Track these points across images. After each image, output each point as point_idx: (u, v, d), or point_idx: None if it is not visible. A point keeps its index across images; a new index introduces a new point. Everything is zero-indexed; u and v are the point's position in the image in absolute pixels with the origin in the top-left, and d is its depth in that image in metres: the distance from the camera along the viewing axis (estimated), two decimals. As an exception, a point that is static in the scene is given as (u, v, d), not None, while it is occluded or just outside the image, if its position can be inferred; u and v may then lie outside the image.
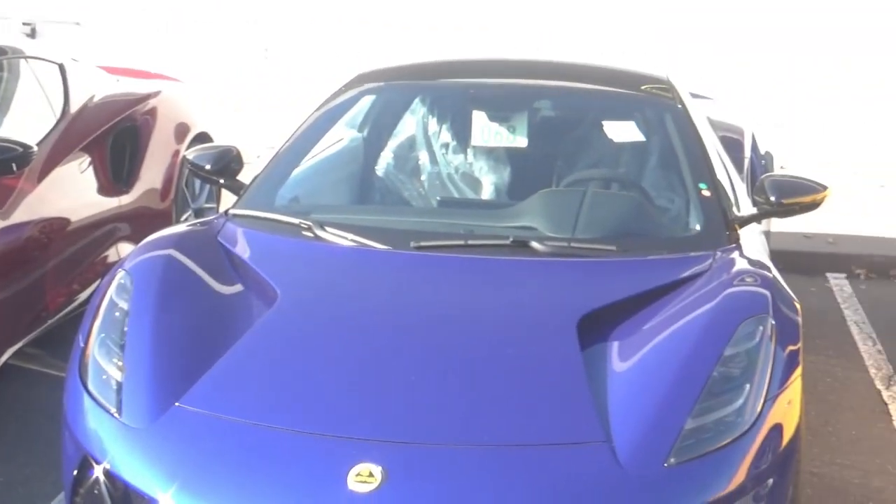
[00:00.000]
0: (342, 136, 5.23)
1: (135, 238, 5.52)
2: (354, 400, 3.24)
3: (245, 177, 4.70)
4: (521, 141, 4.94)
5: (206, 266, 3.94)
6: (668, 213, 4.56)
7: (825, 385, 5.71)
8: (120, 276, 3.77)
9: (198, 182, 6.74)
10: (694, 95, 5.56)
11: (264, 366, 3.40)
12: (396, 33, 10.98)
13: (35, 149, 5.01)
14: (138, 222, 6.00)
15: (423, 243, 4.02)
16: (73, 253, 5.45)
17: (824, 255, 8.02)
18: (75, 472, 3.29)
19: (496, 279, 3.93)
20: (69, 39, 11.56)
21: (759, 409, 3.21)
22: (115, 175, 6.03)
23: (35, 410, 4.96)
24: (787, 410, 3.32)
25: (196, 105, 7.12)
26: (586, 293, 3.79)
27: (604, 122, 5.13)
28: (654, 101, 5.05)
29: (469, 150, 5.14)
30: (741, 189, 5.08)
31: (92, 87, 6.18)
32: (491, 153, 5.07)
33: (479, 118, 5.00)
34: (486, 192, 4.99)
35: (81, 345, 3.58)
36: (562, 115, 5.41)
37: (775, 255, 6.64)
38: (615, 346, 3.50)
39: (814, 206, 4.31)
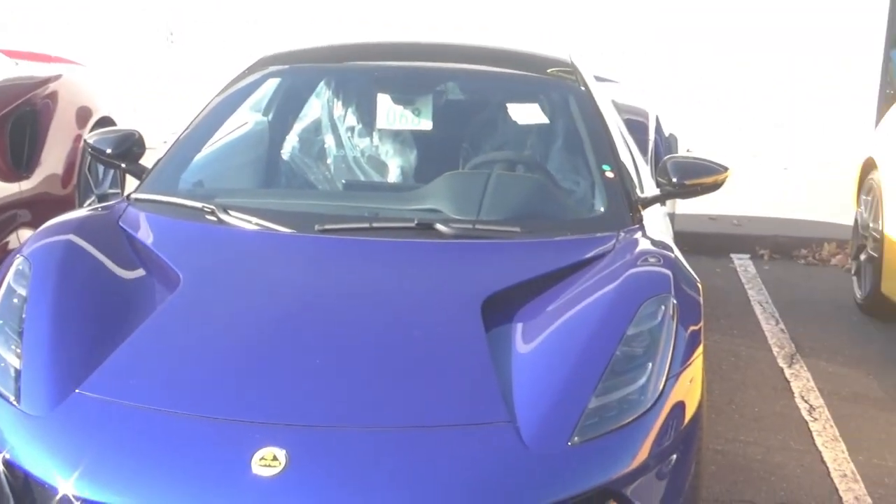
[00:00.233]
0: (247, 119, 5.18)
1: (35, 224, 5.38)
2: (258, 384, 3.22)
3: (149, 161, 4.64)
4: (426, 124, 4.93)
5: (106, 251, 3.88)
6: (573, 194, 4.58)
7: (729, 364, 5.80)
8: (18, 262, 3.71)
9: (101, 167, 6.64)
10: (599, 79, 5.60)
11: (166, 351, 3.37)
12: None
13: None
14: (39, 208, 5.90)
15: (327, 226, 3.99)
16: (-28, 240, 5.34)
17: (729, 237, 8.14)
18: (-27, 462, 3.23)
19: (401, 262, 3.93)
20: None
21: (661, 387, 3.25)
22: (15, 160, 5.92)
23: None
24: (690, 388, 3.36)
25: (99, 89, 7.00)
26: (491, 275, 3.80)
27: (508, 105, 5.14)
28: (558, 84, 5.07)
29: (375, 134, 5.12)
30: (645, 171, 5.12)
31: (-12, 71, 6.06)
32: (397, 136, 5.06)
33: (383, 101, 4.99)
34: (392, 175, 4.97)
35: (-21, 332, 3.51)
36: (467, 98, 5.41)
37: (681, 237, 6.74)
38: (519, 327, 3.52)
39: (715, 186, 4.36)
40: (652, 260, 3.83)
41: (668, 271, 3.72)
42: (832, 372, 5.74)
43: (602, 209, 4.29)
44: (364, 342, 3.42)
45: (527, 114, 5.13)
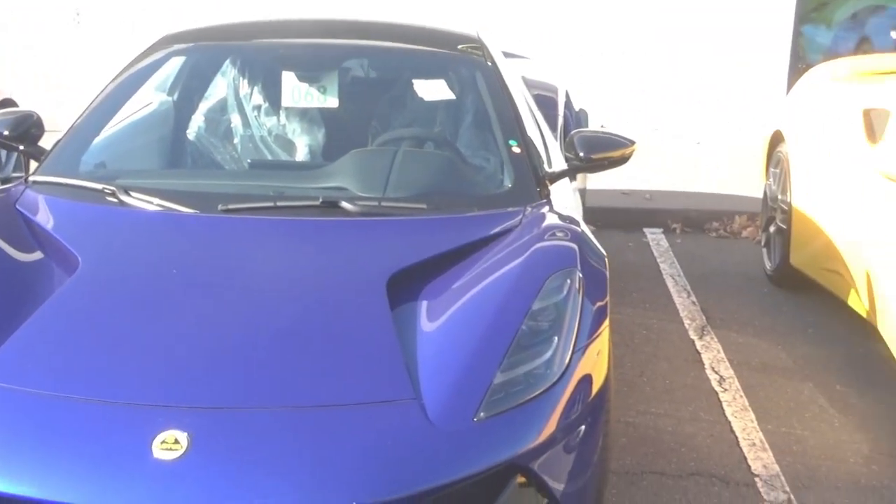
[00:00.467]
0: (151, 99, 5.09)
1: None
2: (158, 367, 3.16)
3: (48, 143, 4.54)
4: (332, 101, 4.88)
5: (2, 235, 3.79)
6: (480, 170, 4.56)
7: (641, 337, 5.83)
8: (-90, 248, 3.61)
9: (4, 151, 6.50)
10: (508, 55, 5.58)
11: (63, 335, 3.29)
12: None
13: None
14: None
15: (231, 206, 3.94)
16: None
17: (642, 211, 8.20)
18: None
19: (306, 240, 3.89)
20: None
21: (567, 360, 3.24)
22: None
23: None
24: (596, 361, 3.36)
25: None
26: (396, 252, 3.77)
27: (415, 81, 5.10)
28: (465, 60, 5.05)
29: (282, 112, 5.06)
30: (554, 146, 5.12)
31: None
32: (304, 114, 5.00)
33: (289, 79, 4.92)
34: (300, 154, 4.92)
35: None
36: (374, 75, 5.37)
37: (594, 212, 6.77)
38: (425, 304, 3.49)
39: (622, 160, 4.36)
40: (559, 234, 3.83)
41: (574, 245, 3.72)
42: (742, 343, 5.80)
43: (509, 185, 4.28)
44: (267, 322, 3.37)
45: (434, 90, 5.10)
